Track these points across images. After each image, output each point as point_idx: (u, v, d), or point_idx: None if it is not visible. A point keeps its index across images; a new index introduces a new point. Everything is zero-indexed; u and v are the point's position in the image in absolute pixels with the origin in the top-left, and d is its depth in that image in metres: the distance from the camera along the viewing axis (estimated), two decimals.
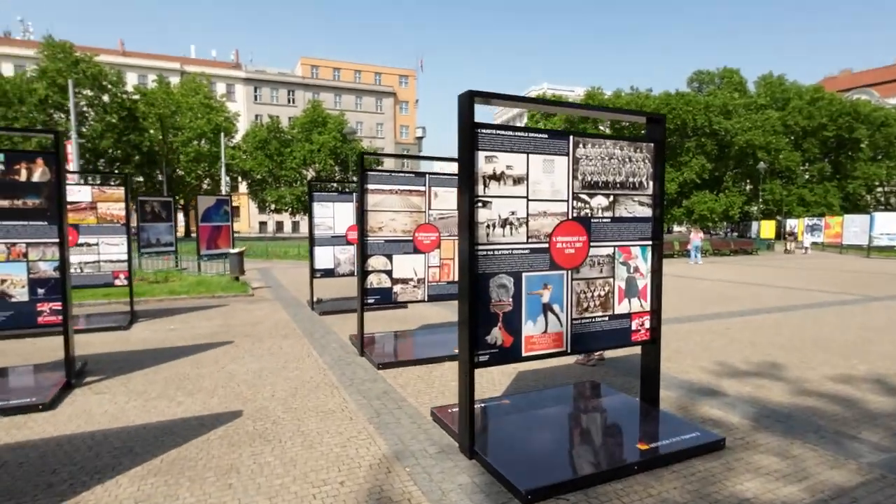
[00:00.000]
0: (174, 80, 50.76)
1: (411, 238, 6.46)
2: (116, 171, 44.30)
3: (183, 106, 44.43)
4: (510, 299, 3.65)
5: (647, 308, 4.25)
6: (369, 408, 4.58)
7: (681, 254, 26.12)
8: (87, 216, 8.14)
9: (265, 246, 26.30)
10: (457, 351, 3.88)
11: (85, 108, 40.86)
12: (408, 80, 73.32)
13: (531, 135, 3.70)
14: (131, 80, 52.41)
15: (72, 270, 7.97)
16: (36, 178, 4.92)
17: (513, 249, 3.65)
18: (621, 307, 4.13)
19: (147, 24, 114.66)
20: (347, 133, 24.36)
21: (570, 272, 3.90)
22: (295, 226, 67.06)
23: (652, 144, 4.20)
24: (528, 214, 3.69)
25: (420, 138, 74.18)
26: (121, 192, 8.42)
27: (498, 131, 3.56)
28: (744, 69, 76.05)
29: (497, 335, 3.62)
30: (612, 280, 4.07)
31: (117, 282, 8.41)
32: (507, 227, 3.63)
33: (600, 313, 4.04)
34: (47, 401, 4.53)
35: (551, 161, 3.77)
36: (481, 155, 3.49)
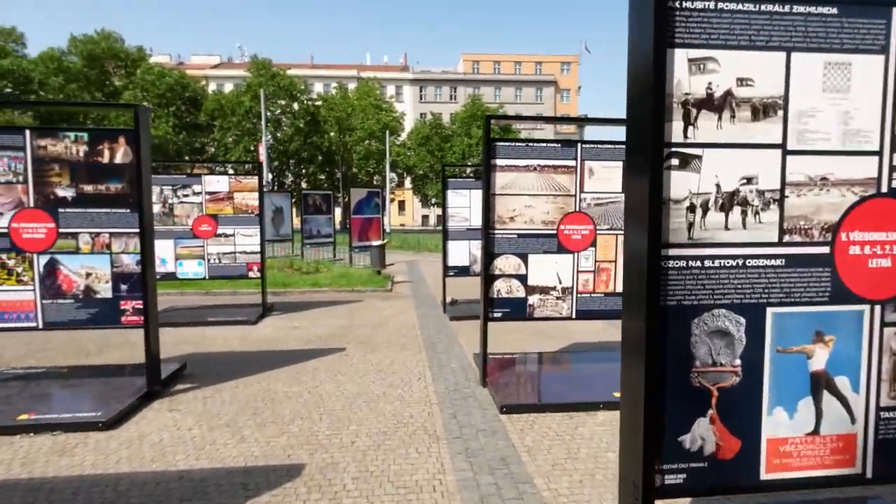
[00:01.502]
0: (351, 86, 54.92)
1: (554, 231, 4.65)
2: (303, 171, 49.57)
3: (356, 108, 47.70)
4: (736, 361, 1.72)
5: None
6: (473, 489, 2.96)
7: None
8: (224, 206, 7.91)
9: (416, 238, 26.22)
10: (618, 396, 3.18)
11: (279, 116, 46.18)
12: (569, 66, 69.39)
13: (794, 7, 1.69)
14: (317, 88, 58.09)
15: (212, 261, 7.78)
16: (118, 159, 4.29)
17: (747, 258, 1.70)
18: None
19: (332, 36, 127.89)
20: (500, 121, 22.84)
21: (880, 307, 1.79)
22: None
23: None
24: (783, 183, 1.71)
25: (581, 127, 69.82)
26: (255, 181, 8.04)
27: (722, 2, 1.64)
28: None
29: (704, 435, 1.72)
30: None
31: (251, 274, 8.07)
32: (737, 208, 1.69)
33: None
34: (108, 418, 3.82)
35: (844, 66, 1.71)
36: (683, 56, 1.62)
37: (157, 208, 7.77)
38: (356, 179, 49.95)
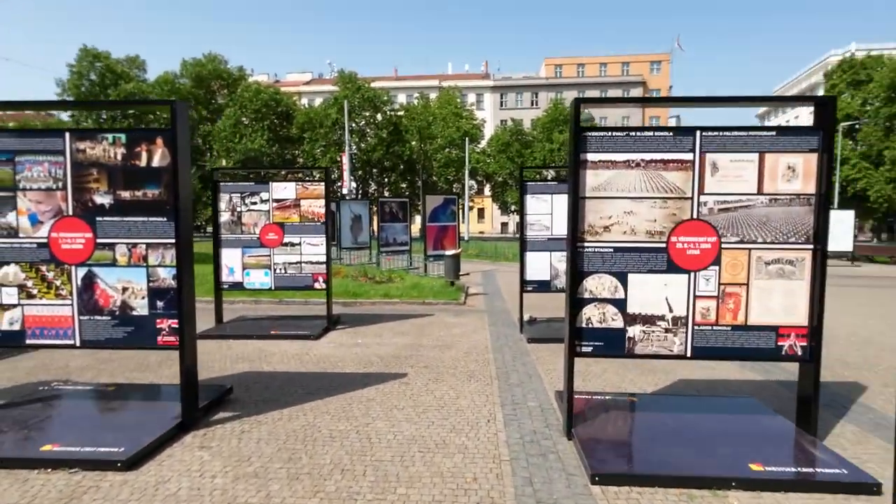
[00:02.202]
0: (433, 96, 55.32)
1: (664, 244, 3.59)
2: (385, 180, 50.51)
3: (437, 117, 47.86)
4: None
5: None
6: None
7: None
8: (291, 214, 7.55)
9: (493, 247, 25.23)
10: (756, 469, 3.08)
11: (363, 127, 47.43)
12: (660, 65, 65.24)
13: None
14: (401, 99, 59.19)
15: (278, 271, 7.43)
16: (155, 162, 3.85)
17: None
18: None
19: (415, 49, 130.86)
20: (586, 121, 21.42)
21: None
22: None
23: None
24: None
25: (675, 116, 65.26)
26: (321, 188, 7.61)
27: None
28: None
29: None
30: None
31: (316, 285, 7.63)
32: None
33: None
34: (129, 457, 3.32)
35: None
36: None
37: (225, 217, 7.57)
38: (436, 187, 50.04)
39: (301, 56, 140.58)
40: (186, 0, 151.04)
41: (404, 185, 49.88)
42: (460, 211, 15.62)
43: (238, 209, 7.53)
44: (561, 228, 7.26)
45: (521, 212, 7.45)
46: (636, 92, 62.66)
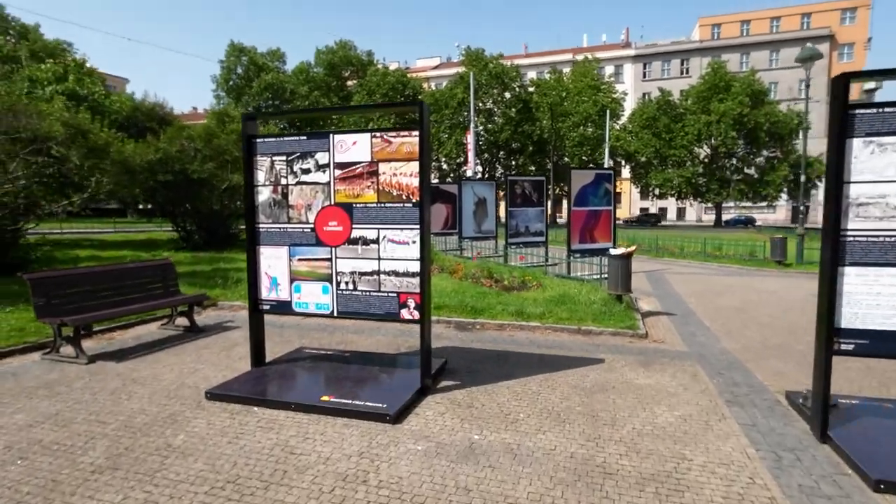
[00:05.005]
0: (566, 71, 49.79)
1: None
2: (512, 162, 46.62)
3: (571, 92, 42.62)
4: None
5: None
6: None
7: None
8: (363, 189, 4.27)
9: (654, 237, 20.01)
10: None
11: (490, 107, 43.93)
12: (855, 13, 51.62)
13: None
14: (530, 77, 54.49)
15: (342, 286, 4.26)
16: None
17: None
18: None
19: (546, 23, 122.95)
20: (806, 58, 14.34)
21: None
22: (680, 213, 57.99)
23: None
24: None
25: (870, 91, 51.51)
26: (413, 141, 4.17)
27: None
28: None
29: None
30: None
31: (404, 313, 4.27)
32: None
33: None
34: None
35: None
36: None
37: (265, 194, 4.54)
38: (568, 169, 44.88)
39: (430, 44, 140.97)
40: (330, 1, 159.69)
41: (533, 168, 45.57)
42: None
43: (283, 181, 4.45)
44: None
45: (834, 177, 3.30)
46: (822, 48, 50.31)
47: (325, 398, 3.88)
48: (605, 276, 10.18)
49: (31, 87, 22.24)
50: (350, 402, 3.80)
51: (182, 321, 6.49)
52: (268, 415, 3.75)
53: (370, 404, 3.75)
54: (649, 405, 3.99)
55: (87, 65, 28.08)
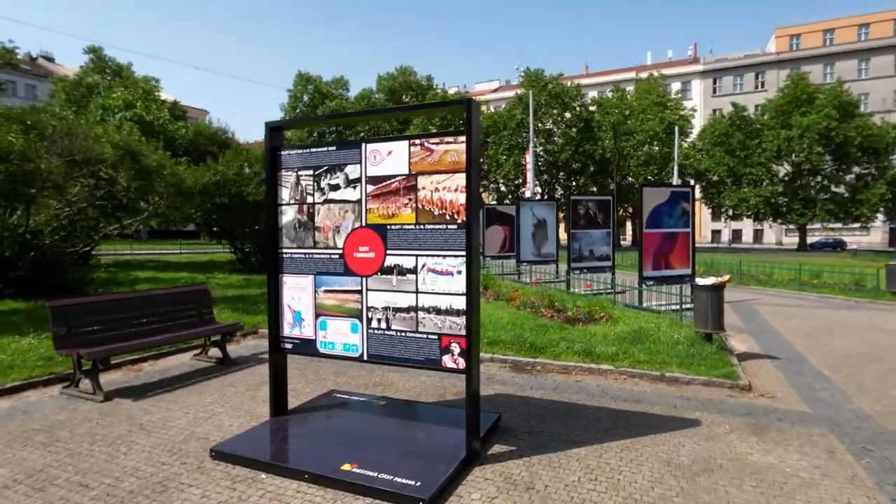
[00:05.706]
0: (629, 89, 47.94)
1: None
2: (573, 183, 45.03)
3: (635, 109, 40.76)
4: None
5: None
6: None
7: None
8: (398, 206, 3.52)
9: (738, 261, 17.95)
10: None
11: (550, 127, 42.84)
12: None
13: None
14: (591, 96, 52.97)
15: (374, 324, 3.51)
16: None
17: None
18: None
19: (608, 42, 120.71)
20: None
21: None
22: (757, 235, 53.63)
23: None
24: None
25: None
26: (459, 149, 3.39)
27: None
28: None
29: None
30: None
31: (446, 360, 3.43)
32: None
33: None
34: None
35: None
36: None
37: (289, 214, 3.89)
38: (632, 189, 42.68)
39: (489, 68, 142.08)
40: (397, 27, 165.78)
41: (594, 189, 43.71)
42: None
43: (309, 198, 3.79)
44: None
45: None
46: None
47: (346, 467, 3.09)
48: (684, 306, 8.89)
49: (104, 115, 23.86)
50: (375, 475, 2.98)
51: (215, 352, 5.99)
52: (275, 486, 3.01)
53: (399, 480, 2.91)
54: (779, 500, 2.88)
55: (156, 93, 30.05)
